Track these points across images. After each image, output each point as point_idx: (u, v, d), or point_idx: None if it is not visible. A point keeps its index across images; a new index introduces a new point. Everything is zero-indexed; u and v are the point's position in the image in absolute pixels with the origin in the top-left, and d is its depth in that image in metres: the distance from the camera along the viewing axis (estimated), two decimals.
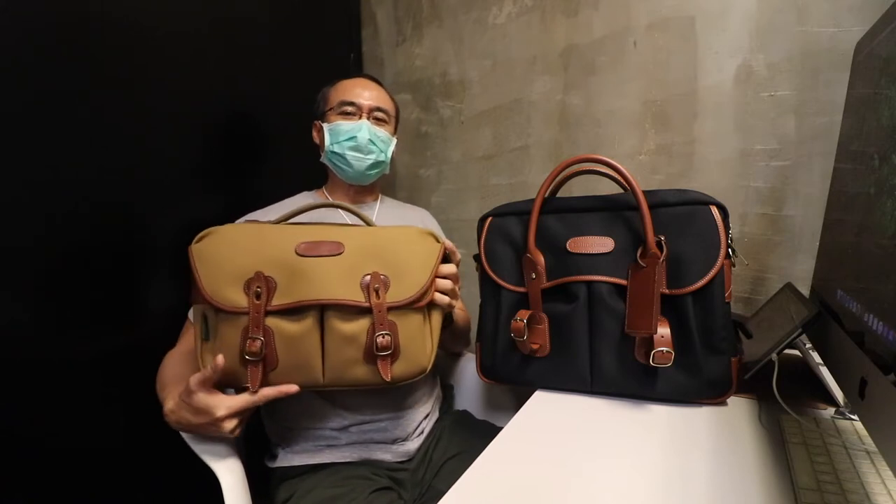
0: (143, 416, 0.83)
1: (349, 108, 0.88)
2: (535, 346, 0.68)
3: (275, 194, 0.93)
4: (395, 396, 0.80)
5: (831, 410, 0.61)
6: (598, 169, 0.70)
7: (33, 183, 0.70)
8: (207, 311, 0.63)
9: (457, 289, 0.72)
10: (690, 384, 0.61)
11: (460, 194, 1.25)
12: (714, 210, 0.61)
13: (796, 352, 0.77)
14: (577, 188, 0.91)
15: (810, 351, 0.71)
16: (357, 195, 0.94)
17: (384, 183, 1.05)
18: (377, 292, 0.63)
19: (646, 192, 0.63)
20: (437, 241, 0.70)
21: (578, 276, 0.66)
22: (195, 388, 0.59)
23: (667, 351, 0.58)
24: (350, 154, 0.86)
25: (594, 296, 0.65)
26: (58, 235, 0.73)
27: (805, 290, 0.75)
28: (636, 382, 0.63)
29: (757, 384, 0.62)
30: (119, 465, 0.82)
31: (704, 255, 0.60)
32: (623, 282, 0.63)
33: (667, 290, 0.61)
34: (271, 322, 0.61)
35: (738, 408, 0.62)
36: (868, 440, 0.52)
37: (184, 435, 0.68)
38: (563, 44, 1.07)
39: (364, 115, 0.88)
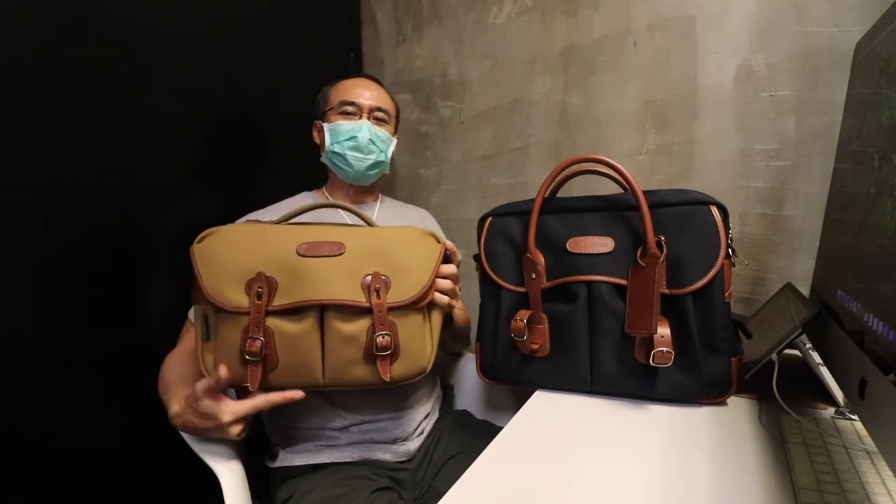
0: (143, 416, 0.83)
1: (350, 108, 0.88)
2: (535, 346, 0.68)
3: (275, 194, 0.93)
4: (396, 396, 0.80)
5: (831, 410, 0.61)
6: (598, 169, 0.70)
7: (33, 183, 0.70)
8: (208, 311, 0.63)
9: (457, 289, 0.72)
10: (690, 384, 0.61)
11: (460, 194, 1.25)
12: (714, 210, 0.61)
13: (796, 352, 0.77)
14: (577, 188, 0.91)
15: (810, 351, 0.71)
16: (357, 195, 0.94)
17: (384, 183, 1.05)
18: (378, 292, 0.63)
19: (646, 192, 0.63)
20: (438, 242, 0.70)
21: (578, 276, 0.66)
22: (201, 395, 0.60)
23: (667, 351, 0.58)
24: (350, 154, 0.86)
25: (594, 296, 0.65)
26: (58, 235, 0.73)
27: (805, 290, 0.75)
28: (636, 382, 0.63)
29: (757, 384, 0.62)
30: (119, 465, 0.82)
31: (704, 255, 0.60)
32: (623, 282, 0.63)
33: (667, 290, 0.61)
34: (271, 322, 0.61)
35: (738, 408, 0.62)
36: (868, 440, 0.52)
37: (184, 435, 0.68)
38: (563, 44, 1.07)
39: (364, 114, 0.88)
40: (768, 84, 0.88)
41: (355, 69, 1.32)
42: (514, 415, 0.62)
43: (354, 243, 0.65)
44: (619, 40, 1.00)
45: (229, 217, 0.84)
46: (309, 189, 0.96)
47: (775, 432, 0.56)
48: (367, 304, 0.62)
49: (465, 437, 0.84)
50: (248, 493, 0.65)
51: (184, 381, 0.68)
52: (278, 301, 0.61)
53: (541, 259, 0.68)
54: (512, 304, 0.71)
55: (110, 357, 0.80)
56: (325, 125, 0.88)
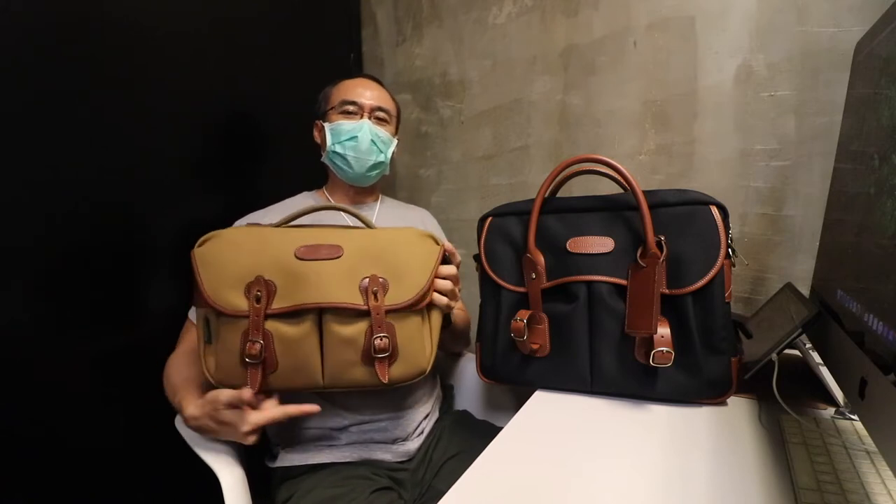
0: (143, 416, 0.83)
1: (351, 108, 0.88)
2: (535, 346, 0.68)
3: (275, 194, 0.92)
4: (395, 396, 0.80)
5: (831, 410, 0.61)
6: (598, 169, 0.70)
7: (33, 183, 0.70)
8: (209, 315, 0.63)
9: (456, 290, 0.72)
10: (690, 384, 0.61)
11: (460, 194, 1.25)
12: (714, 210, 0.61)
13: (796, 352, 0.77)
14: (577, 188, 0.91)
15: (810, 351, 0.71)
16: (357, 195, 0.94)
17: (384, 183, 1.05)
18: (375, 295, 0.63)
19: (646, 192, 0.63)
20: (437, 244, 0.70)
21: (578, 276, 0.66)
22: (222, 406, 0.62)
23: (667, 351, 0.58)
24: (351, 154, 0.86)
25: (594, 296, 0.65)
26: (58, 235, 0.73)
27: (805, 290, 0.75)
28: (636, 382, 0.63)
29: (757, 384, 0.62)
30: (119, 465, 0.82)
31: (704, 255, 0.60)
32: (623, 282, 0.63)
33: (667, 290, 0.61)
34: (270, 325, 0.62)
35: (738, 408, 0.62)
36: (868, 440, 0.52)
37: (184, 435, 0.69)
38: (563, 44, 1.07)
39: (365, 114, 0.88)
40: (768, 84, 0.88)
41: (355, 69, 1.32)
42: (514, 415, 0.62)
43: (352, 246, 0.65)
44: (619, 40, 1.00)
45: (229, 217, 0.84)
46: (309, 189, 0.96)
47: (775, 432, 0.56)
48: (365, 307, 0.63)
49: (464, 437, 0.84)
50: (248, 493, 0.65)
51: (190, 381, 0.69)
52: (277, 304, 0.62)
53: (541, 259, 0.68)
54: (512, 304, 0.71)
55: (110, 357, 0.80)
56: (326, 125, 0.88)
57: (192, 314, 0.79)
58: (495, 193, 1.19)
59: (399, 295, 0.64)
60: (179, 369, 0.73)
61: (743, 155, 0.91)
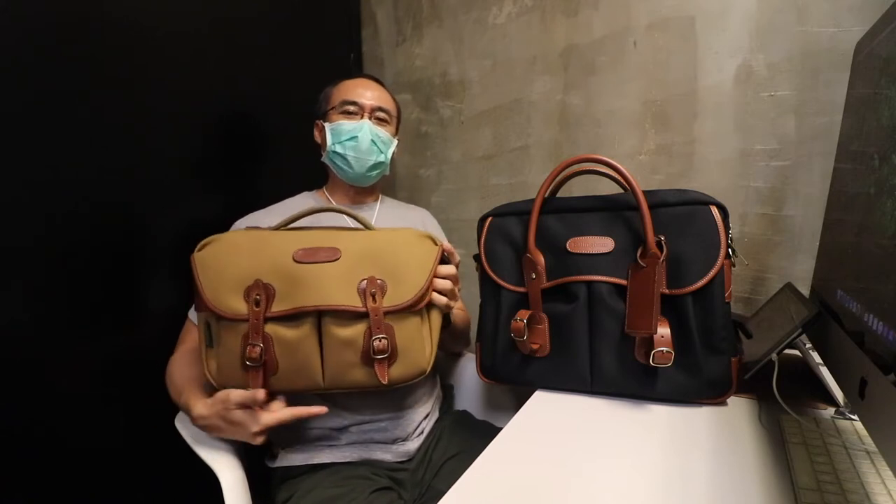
0: (143, 416, 0.83)
1: (351, 108, 0.88)
2: (535, 346, 0.68)
3: (275, 194, 0.92)
4: (395, 397, 0.80)
5: (831, 410, 0.61)
6: (598, 169, 0.70)
7: (33, 183, 0.70)
8: (210, 319, 0.64)
9: (456, 290, 0.72)
10: (690, 384, 0.61)
11: (460, 194, 1.25)
12: (714, 210, 0.61)
13: (796, 352, 0.77)
14: (577, 188, 0.91)
15: (810, 351, 0.71)
16: (357, 196, 0.94)
17: (384, 183, 1.05)
18: (373, 297, 0.63)
19: (646, 192, 0.63)
20: (435, 244, 0.70)
21: (578, 276, 0.66)
22: (233, 406, 0.62)
23: (667, 351, 0.58)
24: (351, 155, 0.86)
25: (594, 296, 0.65)
26: (58, 235, 0.73)
27: (805, 290, 0.75)
28: (636, 382, 0.63)
29: (757, 384, 0.62)
30: (119, 465, 0.82)
31: (704, 255, 0.60)
32: (623, 282, 0.63)
33: (667, 290, 0.61)
34: (270, 328, 0.62)
35: (738, 408, 0.62)
36: (868, 440, 0.52)
37: (184, 435, 0.69)
38: (563, 44, 1.07)
39: (366, 114, 0.88)
40: (768, 84, 0.88)
41: (355, 69, 1.32)
42: (514, 415, 0.62)
43: (350, 248, 0.66)
44: (619, 40, 1.00)
45: (230, 217, 0.84)
46: (309, 189, 0.96)
47: (775, 432, 0.56)
48: (363, 309, 0.63)
49: (464, 438, 0.84)
50: (248, 493, 0.65)
51: (194, 381, 0.70)
52: (276, 307, 0.62)
53: (541, 259, 0.68)
54: (512, 304, 0.71)
55: (110, 357, 0.80)
56: (327, 125, 0.88)
57: (192, 314, 0.79)
58: (495, 193, 1.19)
59: (397, 296, 0.65)
60: (182, 369, 0.73)
61: (743, 155, 0.91)
